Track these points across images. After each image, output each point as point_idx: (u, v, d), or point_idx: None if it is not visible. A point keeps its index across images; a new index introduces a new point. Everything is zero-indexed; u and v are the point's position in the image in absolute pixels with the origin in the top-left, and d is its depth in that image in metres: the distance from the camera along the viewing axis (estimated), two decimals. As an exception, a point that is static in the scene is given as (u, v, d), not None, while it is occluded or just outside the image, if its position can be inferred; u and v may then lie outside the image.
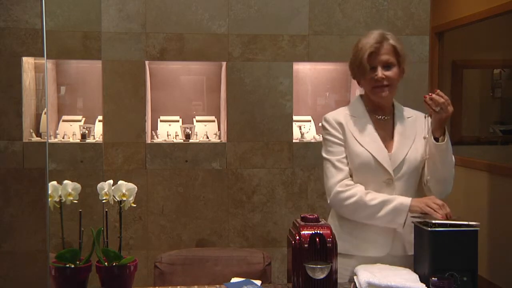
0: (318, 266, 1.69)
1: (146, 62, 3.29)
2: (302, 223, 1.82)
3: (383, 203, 1.94)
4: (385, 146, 2.03)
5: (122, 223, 1.92)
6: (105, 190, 1.88)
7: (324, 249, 1.74)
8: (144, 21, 3.24)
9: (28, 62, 3.12)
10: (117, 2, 3.21)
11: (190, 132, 3.38)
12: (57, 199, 1.86)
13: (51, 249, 1.85)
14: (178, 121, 3.53)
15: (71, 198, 1.89)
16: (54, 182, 1.89)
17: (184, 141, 3.36)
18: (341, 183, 2.01)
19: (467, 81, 5.07)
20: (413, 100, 3.36)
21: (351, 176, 2.04)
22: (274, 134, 3.34)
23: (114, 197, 1.88)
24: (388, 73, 1.99)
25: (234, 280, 1.96)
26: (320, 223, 1.82)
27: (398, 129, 2.05)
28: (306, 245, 1.74)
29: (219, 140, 3.41)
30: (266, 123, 3.34)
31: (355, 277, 1.85)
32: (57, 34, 3.10)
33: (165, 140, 3.39)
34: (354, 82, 3.72)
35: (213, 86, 3.58)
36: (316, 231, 1.76)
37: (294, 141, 3.37)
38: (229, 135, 3.32)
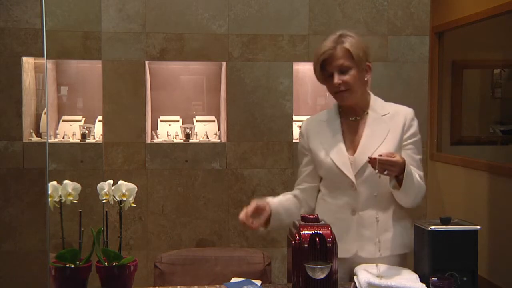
0: (318, 266, 1.69)
1: (146, 62, 3.29)
2: (302, 223, 1.82)
3: None
4: (353, 149, 2.01)
5: (122, 223, 1.92)
6: (105, 190, 1.88)
7: (324, 249, 1.74)
8: (144, 21, 3.24)
9: (28, 62, 3.12)
10: (117, 2, 3.21)
11: (190, 132, 3.39)
12: (57, 199, 1.86)
13: (51, 249, 1.85)
14: (178, 121, 3.53)
15: (71, 198, 1.89)
16: (54, 182, 1.89)
17: (184, 141, 3.36)
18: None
19: (467, 81, 5.07)
20: (413, 100, 3.38)
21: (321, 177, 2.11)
22: (274, 134, 3.34)
23: (114, 197, 1.88)
24: (345, 77, 1.95)
25: (234, 280, 1.96)
26: (320, 223, 1.82)
27: (366, 130, 2.01)
28: (306, 245, 1.74)
29: (219, 140, 3.42)
30: (266, 123, 3.34)
31: (355, 277, 1.85)
32: (57, 34, 3.11)
33: (165, 140, 3.39)
34: (354, 82, 3.67)
35: (213, 86, 3.58)
36: (316, 231, 1.76)
37: (294, 141, 3.37)
38: (229, 135, 3.32)
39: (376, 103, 2.07)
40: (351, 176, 1.97)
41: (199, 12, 3.27)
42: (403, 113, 2.05)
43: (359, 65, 1.97)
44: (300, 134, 2.15)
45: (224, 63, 3.36)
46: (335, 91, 1.99)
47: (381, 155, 1.82)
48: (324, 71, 1.99)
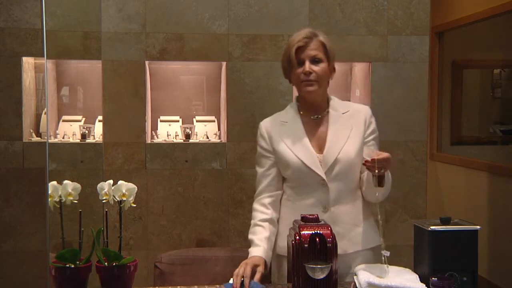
0: (318, 266, 1.69)
1: (146, 62, 3.29)
2: (302, 223, 1.82)
3: (250, 241, 2.07)
4: (319, 147, 2.03)
5: (122, 223, 1.92)
6: (105, 190, 1.88)
7: (324, 249, 1.74)
8: (144, 21, 3.24)
9: (28, 62, 3.12)
10: (117, 2, 3.21)
11: (190, 132, 3.38)
12: (57, 199, 1.87)
13: (51, 249, 1.85)
14: (178, 121, 3.53)
15: (71, 198, 1.89)
16: (54, 182, 1.89)
17: (184, 141, 3.36)
18: (258, 200, 2.11)
19: (467, 81, 5.07)
20: (413, 100, 3.38)
21: (285, 179, 2.09)
22: (274, 134, 3.33)
23: (114, 197, 1.89)
24: (315, 68, 1.98)
25: (234, 280, 1.95)
26: (320, 223, 1.82)
27: (331, 128, 2.04)
28: (306, 245, 1.74)
29: (219, 140, 3.41)
30: (266, 123, 3.33)
31: (355, 277, 1.85)
32: (57, 34, 3.10)
33: (165, 140, 3.39)
34: (354, 82, 3.71)
35: (213, 86, 3.58)
36: (316, 231, 1.76)
37: (294, 141, 3.37)
38: (229, 135, 3.32)
39: (335, 102, 2.11)
40: (322, 174, 1.99)
41: (199, 12, 3.26)
42: (363, 111, 2.10)
43: (329, 61, 2.02)
44: (261, 136, 2.12)
45: (224, 63, 3.36)
46: (303, 80, 2.00)
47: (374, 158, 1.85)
48: (294, 60, 2.00)
